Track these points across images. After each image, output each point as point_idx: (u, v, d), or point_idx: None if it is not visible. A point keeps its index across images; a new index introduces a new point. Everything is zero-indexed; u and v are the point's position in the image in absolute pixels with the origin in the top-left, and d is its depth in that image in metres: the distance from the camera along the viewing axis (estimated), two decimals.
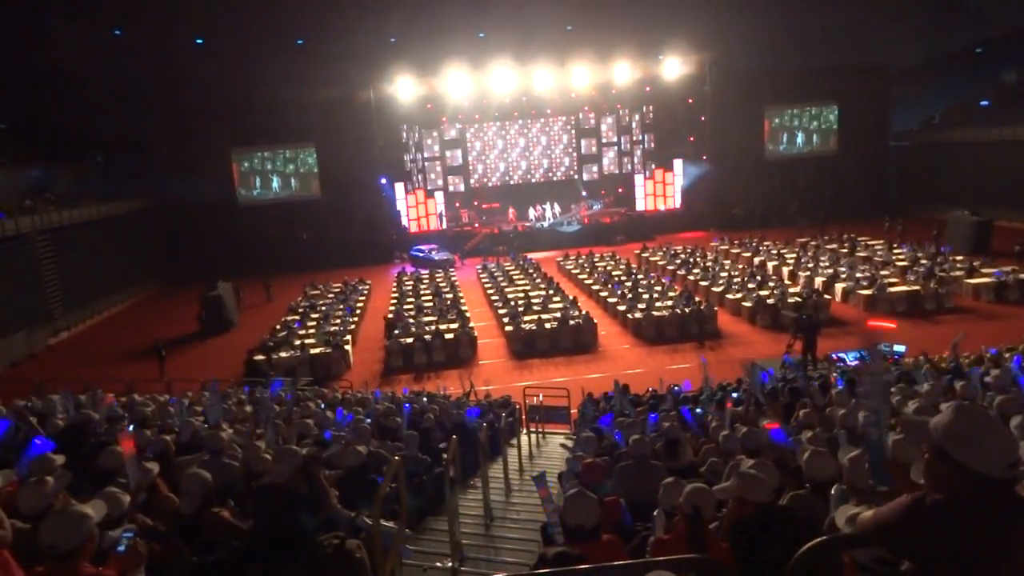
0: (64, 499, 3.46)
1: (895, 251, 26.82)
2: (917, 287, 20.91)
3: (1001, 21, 40.28)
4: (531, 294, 24.07)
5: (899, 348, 14.46)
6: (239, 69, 33.93)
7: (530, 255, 31.99)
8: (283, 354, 18.96)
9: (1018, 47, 40.05)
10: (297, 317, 23.26)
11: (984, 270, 22.26)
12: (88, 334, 26.81)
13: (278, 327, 21.90)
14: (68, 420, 7.36)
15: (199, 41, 35.29)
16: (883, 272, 23.29)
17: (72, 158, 32.75)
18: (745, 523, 3.24)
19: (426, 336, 19.50)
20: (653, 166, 39.84)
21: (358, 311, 24.48)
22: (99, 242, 29.46)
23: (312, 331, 21.27)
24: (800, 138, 40.43)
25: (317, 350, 19.27)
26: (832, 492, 3.18)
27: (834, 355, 15.29)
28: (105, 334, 26.60)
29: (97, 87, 33.16)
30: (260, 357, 18.62)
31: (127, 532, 3.03)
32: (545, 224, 37.84)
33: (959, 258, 24.08)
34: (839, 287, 22.13)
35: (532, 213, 38.36)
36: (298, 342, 19.97)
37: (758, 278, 23.91)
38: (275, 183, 37.91)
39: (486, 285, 27.02)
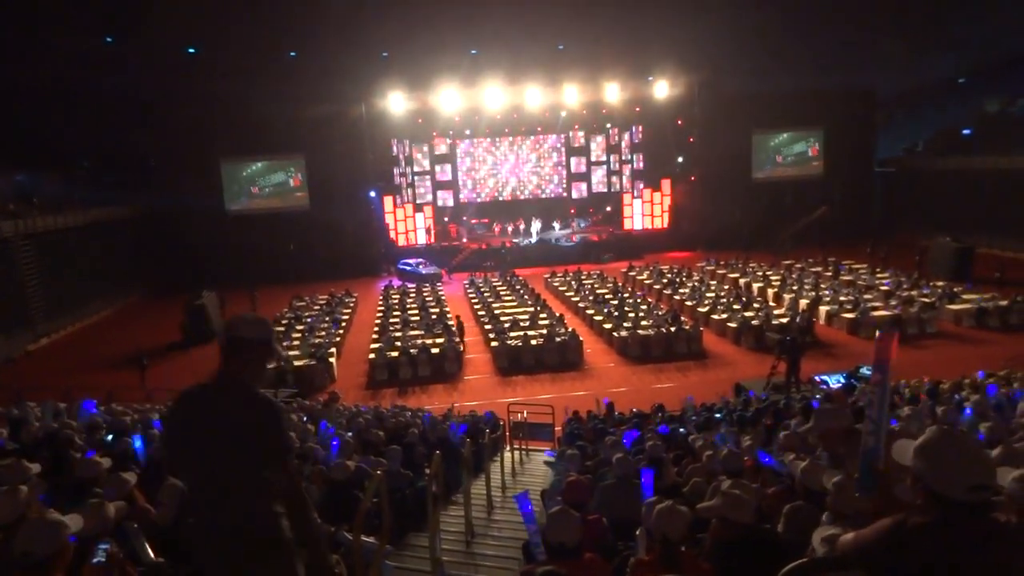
0: (38, 509, 3.40)
1: (878, 275, 27.13)
2: (899, 311, 21.15)
3: (984, 52, 41.18)
4: (518, 310, 24.10)
5: None
6: (230, 80, 33.89)
7: (517, 271, 32.05)
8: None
9: (1000, 78, 40.91)
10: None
11: (965, 296, 22.58)
12: (69, 341, 26.47)
13: None
14: (45, 428, 7.25)
15: (191, 51, 35.25)
16: (866, 296, 23.55)
17: (59, 164, 32.50)
18: (727, 544, 3.24)
19: (412, 350, 19.43)
20: (642, 185, 40.15)
21: (344, 324, 24.36)
22: (84, 249, 29.18)
23: (297, 343, 21.13)
24: (786, 161, 40.90)
25: (301, 362, 19.12)
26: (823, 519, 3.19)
27: (817, 378, 15.39)
28: (86, 341, 26.27)
29: (87, 94, 33.02)
30: None
31: (103, 544, 2.99)
32: (532, 240, 38.06)
33: (940, 283, 24.41)
34: (823, 310, 22.32)
35: (509, 229, 38.75)
36: (282, 353, 19.82)
37: (743, 299, 24.10)
38: (263, 194, 37.77)
39: (473, 300, 27.01)
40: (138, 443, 5.96)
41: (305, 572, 2.64)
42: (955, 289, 23.32)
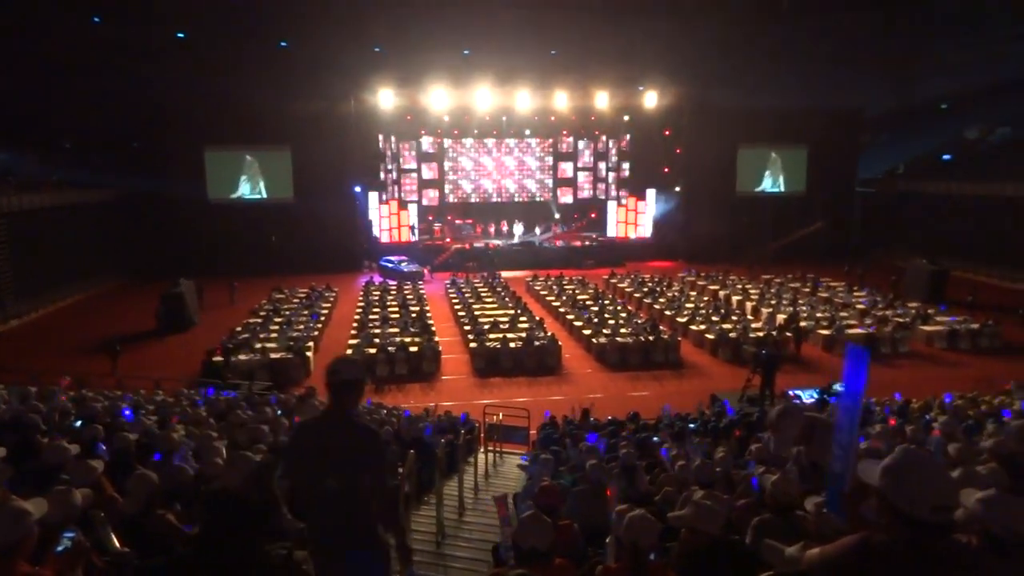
0: (4, 494, 3.35)
1: (855, 294, 27.52)
2: (873, 330, 21.47)
3: (967, 81, 41.86)
4: (498, 312, 24.10)
5: None
6: (219, 67, 33.51)
7: (499, 274, 32.11)
8: (242, 356, 18.63)
9: (981, 106, 41.65)
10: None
11: (938, 318, 22.98)
12: (40, 324, 26.01)
13: (239, 329, 21.55)
14: (12, 412, 7.13)
15: (181, 35, 34.79)
16: (842, 314, 23.88)
17: (39, 143, 31.94)
18: (696, 554, 3.27)
19: (390, 348, 19.36)
20: (627, 194, 40.37)
21: (323, 318, 24.21)
22: (60, 230, 28.70)
23: (274, 335, 20.96)
24: (769, 178, 41.35)
25: (278, 355, 18.97)
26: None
27: (791, 392, 15.56)
28: (59, 325, 25.82)
29: (71, 73, 32.46)
30: (218, 359, 18.27)
31: (68, 532, 2.94)
32: (514, 241, 38.18)
33: (914, 304, 24.82)
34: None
35: (491, 230, 39.01)
36: (259, 345, 19.66)
37: (722, 311, 24.33)
38: (247, 184, 37.43)
39: (453, 300, 26.98)
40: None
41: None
42: (929, 311, 23.73)
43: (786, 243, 38.51)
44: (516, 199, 41.68)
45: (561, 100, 35.94)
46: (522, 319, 22.85)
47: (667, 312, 24.48)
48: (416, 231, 38.64)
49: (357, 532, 3.37)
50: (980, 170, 36.15)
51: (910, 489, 1.81)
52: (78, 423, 7.18)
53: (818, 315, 23.41)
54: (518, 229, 38.95)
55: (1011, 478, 4.51)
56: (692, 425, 10.70)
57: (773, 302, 25.56)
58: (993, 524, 2.39)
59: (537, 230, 39.43)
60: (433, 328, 22.05)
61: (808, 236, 39.06)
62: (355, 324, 22.66)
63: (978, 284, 30.36)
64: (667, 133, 38.76)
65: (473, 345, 20.10)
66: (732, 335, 20.84)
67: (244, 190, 37.38)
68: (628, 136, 39.88)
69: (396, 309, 24.78)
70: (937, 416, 10.11)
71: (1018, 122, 39.90)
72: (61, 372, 15.25)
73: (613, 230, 40.47)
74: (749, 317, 24.26)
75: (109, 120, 33.93)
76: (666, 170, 39.22)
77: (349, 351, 19.40)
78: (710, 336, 21.17)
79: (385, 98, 34.87)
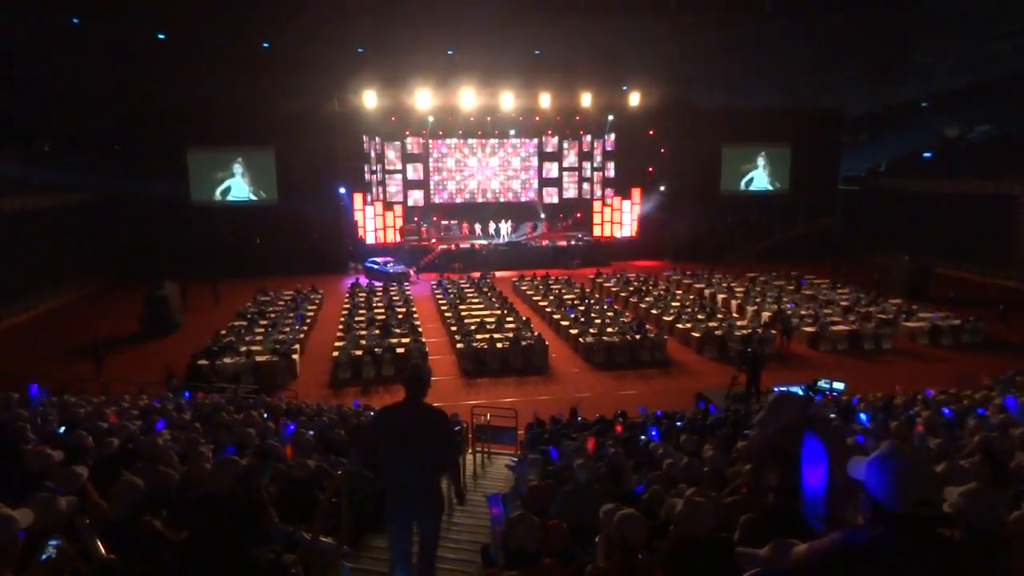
0: None
1: (839, 291, 27.77)
2: (857, 327, 21.69)
3: (946, 80, 42.41)
4: (484, 313, 24.08)
5: (838, 385, 14.93)
6: (201, 68, 33.25)
7: (494, 274, 32.14)
8: (227, 360, 18.48)
9: (960, 104, 42.19)
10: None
11: (921, 314, 23.24)
12: (21, 329, 25.66)
13: (223, 332, 21.38)
14: None
15: (161, 36, 34.47)
16: (826, 311, 24.09)
17: (18, 145, 31.53)
18: (684, 552, 3.29)
19: (376, 349, 19.29)
20: (612, 193, 40.47)
21: (308, 320, 24.08)
22: (40, 233, 28.33)
23: (259, 338, 20.82)
24: (753, 177, 41.62)
25: (263, 358, 18.84)
26: None
27: (777, 389, 15.67)
28: (40, 330, 25.49)
29: (50, 74, 32.09)
30: (203, 362, 18.13)
31: (52, 540, 2.91)
32: (498, 240, 38.20)
33: (897, 301, 25.09)
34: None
35: (478, 230, 39.08)
36: (244, 348, 19.51)
37: (708, 309, 24.47)
38: (231, 185, 37.13)
39: (440, 301, 26.92)
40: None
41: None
42: (912, 307, 23.99)
43: (787, 239, 39.10)
44: (501, 199, 41.67)
45: (545, 100, 35.90)
46: (509, 319, 22.85)
47: (653, 311, 24.58)
48: (402, 232, 38.55)
49: (425, 488, 4.49)
50: (960, 168, 36.63)
51: (893, 485, 1.83)
52: (61, 429, 7.09)
53: (803, 312, 23.60)
54: (504, 229, 38.97)
55: (992, 472, 4.59)
56: (679, 423, 10.76)
57: (758, 300, 25.74)
58: (975, 517, 2.43)
59: (524, 228, 39.43)
60: (420, 329, 22.01)
61: (813, 233, 40.06)
62: (341, 326, 22.55)
63: (960, 280, 30.75)
64: (651, 133, 38.91)
65: (460, 346, 20.07)
66: (718, 333, 20.98)
67: (227, 191, 37.08)
68: (613, 136, 39.97)
69: (382, 311, 24.68)
70: (920, 411, 10.24)
71: (997, 120, 40.46)
72: (45, 378, 15.04)
73: (598, 230, 40.56)
74: (734, 315, 24.43)
75: (89, 121, 33.57)
76: (651, 169, 39.39)
77: (335, 353, 19.33)
78: (696, 334, 21.29)
79: (369, 99, 34.68)
